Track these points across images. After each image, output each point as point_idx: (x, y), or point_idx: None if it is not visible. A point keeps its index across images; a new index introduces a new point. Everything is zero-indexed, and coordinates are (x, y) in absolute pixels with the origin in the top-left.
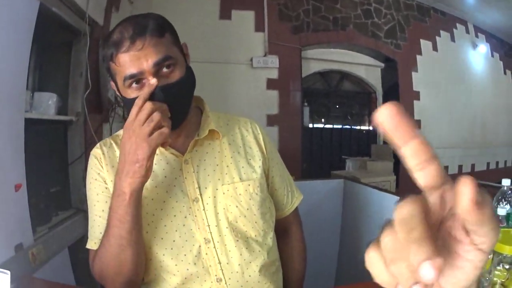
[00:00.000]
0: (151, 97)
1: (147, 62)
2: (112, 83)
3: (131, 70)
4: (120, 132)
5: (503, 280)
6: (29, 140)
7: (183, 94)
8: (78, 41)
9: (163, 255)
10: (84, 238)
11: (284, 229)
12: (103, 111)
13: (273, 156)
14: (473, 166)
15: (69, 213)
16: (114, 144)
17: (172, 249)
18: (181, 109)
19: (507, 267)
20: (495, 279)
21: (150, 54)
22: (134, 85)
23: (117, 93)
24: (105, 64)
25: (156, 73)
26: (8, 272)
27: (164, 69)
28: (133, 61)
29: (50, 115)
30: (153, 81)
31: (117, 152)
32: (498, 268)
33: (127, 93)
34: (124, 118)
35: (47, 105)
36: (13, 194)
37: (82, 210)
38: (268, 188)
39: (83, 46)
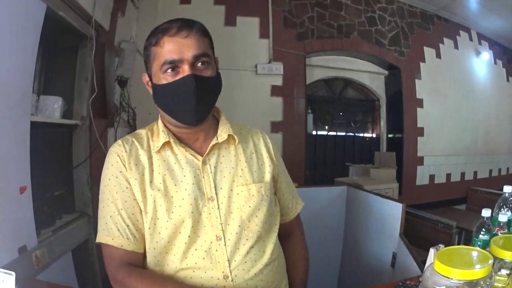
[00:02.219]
0: (184, 84)
1: (188, 52)
2: (144, 75)
3: (173, 55)
4: (141, 131)
5: (503, 285)
6: (34, 143)
7: (211, 90)
8: (84, 45)
9: (178, 247)
10: (88, 241)
11: (288, 233)
12: (108, 116)
13: (280, 164)
14: (475, 173)
15: (73, 216)
16: (136, 142)
17: (185, 243)
18: (207, 104)
19: (507, 272)
20: (495, 284)
21: (192, 45)
22: (169, 71)
23: (147, 84)
24: (146, 52)
25: (192, 65)
26: (13, 273)
27: (199, 65)
28: (176, 48)
29: (55, 118)
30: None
31: (140, 150)
32: (499, 273)
33: (160, 78)
34: (129, 123)
35: (53, 108)
36: (18, 197)
37: (86, 214)
38: (276, 192)
39: (89, 51)
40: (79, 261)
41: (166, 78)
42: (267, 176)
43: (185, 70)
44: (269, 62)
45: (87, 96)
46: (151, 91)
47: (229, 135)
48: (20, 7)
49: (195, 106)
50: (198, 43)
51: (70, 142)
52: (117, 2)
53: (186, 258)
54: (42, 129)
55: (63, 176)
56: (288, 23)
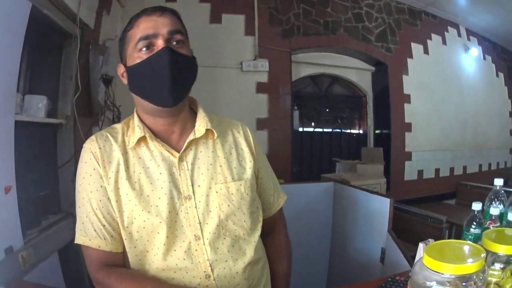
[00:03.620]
0: (158, 58)
1: (163, 28)
2: (119, 66)
3: (148, 31)
4: (117, 125)
5: (498, 280)
6: (19, 143)
7: (187, 69)
8: (68, 44)
9: (158, 248)
10: (74, 241)
11: (270, 228)
12: (93, 115)
13: (261, 158)
14: (465, 168)
15: (58, 216)
16: (110, 137)
17: (164, 244)
18: (183, 83)
19: (501, 266)
20: (489, 278)
21: (167, 22)
22: (144, 50)
23: (122, 75)
24: (121, 42)
25: (168, 41)
26: None
27: (174, 43)
28: (151, 24)
29: (40, 118)
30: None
31: (114, 146)
32: (492, 267)
33: (134, 58)
34: (114, 122)
35: (37, 108)
36: (2, 197)
37: (71, 214)
38: (257, 188)
39: (73, 49)
40: (65, 261)
41: (140, 56)
42: (248, 173)
43: (160, 45)
44: (254, 59)
45: (71, 95)
46: (125, 80)
47: (207, 129)
48: (5, 6)
49: (170, 81)
50: (172, 21)
51: (55, 142)
52: (102, 0)
53: (166, 259)
54: (27, 128)
55: (48, 176)
56: (273, 20)
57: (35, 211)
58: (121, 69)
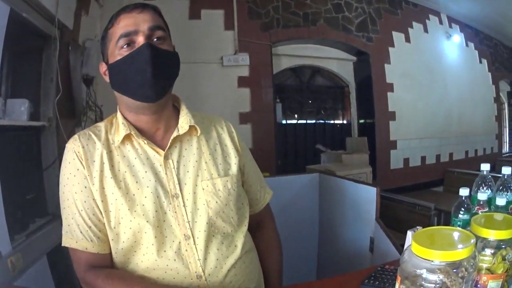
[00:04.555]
0: (139, 54)
1: (144, 24)
2: (101, 65)
3: (128, 28)
4: (100, 124)
5: (489, 265)
6: (2, 147)
7: (169, 63)
8: (48, 46)
9: (146, 247)
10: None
11: (258, 224)
12: (76, 116)
13: (246, 153)
14: (451, 155)
15: (46, 219)
16: (93, 136)
17: (153, 244)
18: (165, 77)
19: (492, 251)
20: (480, 264)
21: (147, 18)
22: (125, 47)
23: (104, 74)
24: (103, 41)
25: (148, 38)
26: None
27: (155, 39)
28: (132, 21)
29: (23, 121)
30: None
31: (98, 144)
32: (483, 253)
33: (115, 56)
34: (96, 122)
35: (20, 111)
36: None
37: (59, 216)
38: (243, 184)
39: (53, 51)
40: (54, 265)
41: (121, 53)
42: (233, 169)
43: (141, 41)
44: (235, 54)
45: (53, 96)
46: (107, 78)
47: (190, 126)
48: None
49: (151, 76)
50: (153, 18)
51: (39, 144)
52: (81, 1)
53: (156, 260)
54: (10, 132)
55: (34, 179)
56: (253, 14)
57: (22, 215)
58: (103, 67)
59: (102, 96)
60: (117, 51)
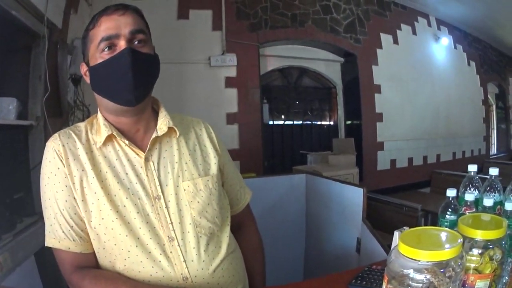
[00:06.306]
0: (120, 58)
1: (125, 28)
2: (82, 65)
3: (109, 31)
4: (80, 124)
5: (476, 265)
6: None
7: (149, 67)
8: (37, 44)
9: (128, 251)
10: None
11: (239, 224)
12: (63, 115)
13: (225, 154)
14: (438, 156)
15: (33, 219)
16: (73, 135)
17: (137, 246)
18: (145, 81)
19: (479, 251)
20: (468, 264)
21: (129, 22)
22: (106, 50)
23: (84, 74)
24: (83, 40)
25: (129, 42)
26: None
27: (136, 43)
28: (113, 24)
29: (10, 120)
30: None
31: (78, 143)
32: (470, 253)
33: (96, 59)
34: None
35: (8, 110)
36: None
37: None
38: (224, 184)
39: (41, 50)
40: (42, 264)
41: (102, 57)
42: (213, 168)
43: (122, 45)
44: (222, 54)
45: (41, 95)
46: (88, 79)
47: (169, 127)
48: None
49: (132, 81)
50: (134, 20)
51: (26, 143)
52: None
53: (141, 261)
54: None
55: (21, 179)
56: (241, 14)
57: (10, 215)
58: (83, 68)
59: (89, 95)
60: (98, 54)
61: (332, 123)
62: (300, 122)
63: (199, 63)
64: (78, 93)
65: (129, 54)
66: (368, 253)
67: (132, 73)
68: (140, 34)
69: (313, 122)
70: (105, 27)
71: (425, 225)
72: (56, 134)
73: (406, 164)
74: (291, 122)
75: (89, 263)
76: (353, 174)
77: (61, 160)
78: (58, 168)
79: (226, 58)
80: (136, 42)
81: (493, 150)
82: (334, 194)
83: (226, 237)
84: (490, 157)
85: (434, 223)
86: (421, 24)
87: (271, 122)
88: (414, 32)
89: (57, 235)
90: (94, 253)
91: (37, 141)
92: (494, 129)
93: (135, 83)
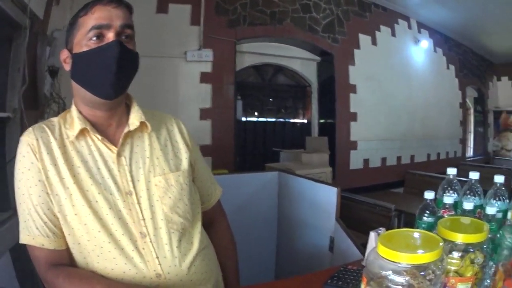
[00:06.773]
0: (108, 49)
1: (117, 20)
2: (63, 52)
3: (101, 21)
4: (53, 118)
5: (457, 268)
6: None
7: (132, 64)
8: (18, 35)
9: (101, 247)
10: None
11: (211, 221)
12: (40, 107)
13: (196, 150)
14: (412, 157)
15: (8, 214)
16: (47, 129)
17: (109, 243)
18: (126, 77)
19: (460, 254)
20: (448, 267)
21: (121, 15)
22: (94, 39)
23: (64, 61)
24: (70, 26)
25: (118, 35)
26: None
27: (124, 37)
28: (107, 15)
29: None
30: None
31: (51, 138)
32: (451, 256)
33: (82, 46)
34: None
35: None
36: None
37: None
38: (195, 180)
39: (22, 41)
40: (18, 260)
41: (89, 45)
42: (185, 164)
43: (110, 37)
44: (199, 49)
45: (19, 87)
46: (68, 67)
47: (141, 122)
48: None
49: (115, 74)
50: (126, 15)
51: (3, 136)
52: None
53: (114, 258)
54: None
55: None
56: (220, 10)
57: None
58: (64, 54)
59: (66, 87)
60: (85, 42)
61: (305, 121)
62: (274, 119)
63: (175, 57)
64: (55, 85)
65: (117, 47)
66: (341, 252)
67: (116, 66)
68: (129, 29)
69: (287, 120)
70: (98, 15)
71: (399, 225)
72: (30, 128)
73: (379, 164)
74: (264, 119)
75: (63, 260)
76: (326, 172)
77: (35, 155)
78: (32, 163)
79: (203, 53)
80: (124, 37)
81: (470, 152)
82: (307, 192)
83: (197, 233)
84: (466, 160)
85: (408, 223)
86: (401, 26)
87: (244, 119)
88: (394, 34)
89: (31, 231)
90: (68, 249)
91: (14, 133)
92: (471, 132)
93: (117, 77)
